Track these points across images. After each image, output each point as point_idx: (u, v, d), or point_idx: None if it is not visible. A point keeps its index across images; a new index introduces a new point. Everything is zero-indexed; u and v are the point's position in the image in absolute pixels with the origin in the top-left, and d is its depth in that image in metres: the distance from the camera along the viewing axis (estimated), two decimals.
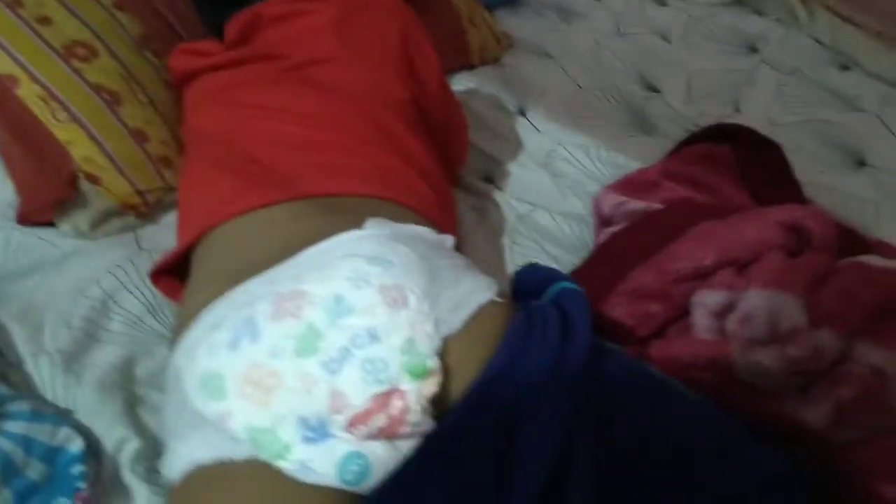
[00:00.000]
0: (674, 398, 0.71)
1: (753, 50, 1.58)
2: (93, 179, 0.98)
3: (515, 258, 1.05)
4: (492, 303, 0.70)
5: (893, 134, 1.35)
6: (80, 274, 0.89)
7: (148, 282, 0.84)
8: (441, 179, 0.95)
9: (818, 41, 1.60)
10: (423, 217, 0.82)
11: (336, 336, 0.60)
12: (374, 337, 0.61)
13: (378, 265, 0.65)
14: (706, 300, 0.87)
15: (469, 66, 1.44)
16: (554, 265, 1.06)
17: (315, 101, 0.87)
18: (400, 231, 0.72)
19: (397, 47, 0.96)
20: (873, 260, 0.91)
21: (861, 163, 1.29)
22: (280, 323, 0.60)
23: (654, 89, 1.47)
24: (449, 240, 0.79)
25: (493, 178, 1.21)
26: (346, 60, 0.92)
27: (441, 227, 0.84)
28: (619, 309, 0.91)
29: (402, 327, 0.62)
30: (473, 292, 0.69)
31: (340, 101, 0.88)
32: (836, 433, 0.77)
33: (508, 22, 1.56)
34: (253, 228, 0.75)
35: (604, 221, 1.08)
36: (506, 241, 1.09)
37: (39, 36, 1.03)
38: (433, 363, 0.63)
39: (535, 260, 1.06)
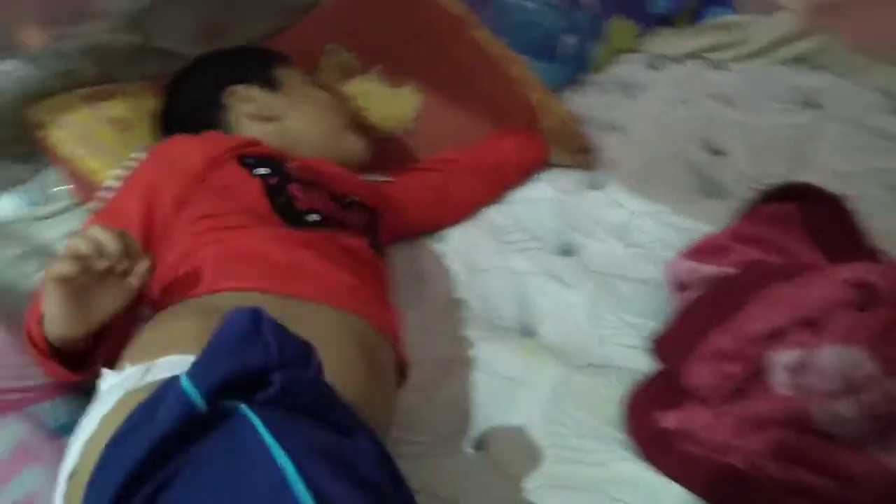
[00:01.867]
0: None
1: (813, 105, 1.64)
2: None
3: (599, 331, 1.15)
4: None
5: None
6: None
7: None
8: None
9: (878, 91, 1.65)
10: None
11: None
12: None
13: None
14: (781, 359, 0.94)
15: None
16: (634, 332, 1.14)
17: None
18: None
19: None
20: None
21: None
22: None
23: (719, 152, 1.54)
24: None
25: (572, 252, 1.30)
26: None
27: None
28: (701, 371, 0.98)
29: None
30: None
31: None
32: None
33: (575, 103, 1.67)
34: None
35: (679, 287, 1.16)
36: (588, 311, 1.18)
37: None
38: None
39: (617, 328, 1.15)
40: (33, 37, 1.42)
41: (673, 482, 0.91)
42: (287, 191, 1.08)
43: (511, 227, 1.35)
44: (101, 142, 1.22)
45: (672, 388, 1.01)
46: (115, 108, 1.26)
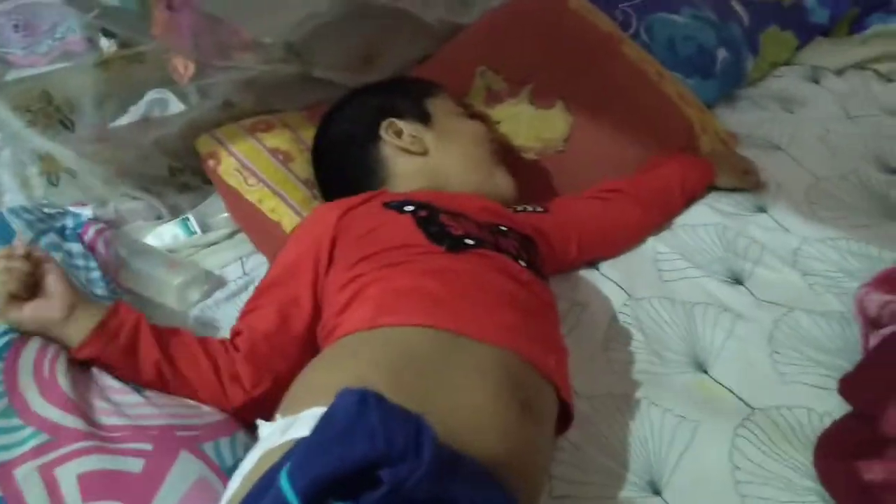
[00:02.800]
0: None
1: None
2: None
3: (780, 367, 1.06)
4: None
5: None
6: None
7: None
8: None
9: None
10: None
11: None
12: None
13: None
14: None
15: None
16: (821, 369, 1.05)
17: None
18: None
19: None
20: None
21: None
22: None
23: (894, 171, 1.43)
24: None
25: (741, 281, 1.22)
26: None
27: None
28: None
29: None
30: None
31: None
32: None
33: (729, 119, 1.59)
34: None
35: (871, 322, 1.07)
36: (766, 346, 1.09)
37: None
38: None
39: (800, 365, 1.06)
40: (189, 69, 1.46)
41: None
42: (439, 220, 1.06)
43: (671, 255, 1.28)
44: (265, 172, 1.24)
45: (869, 435, 0.92)
46: (277, 139, 1.28)
